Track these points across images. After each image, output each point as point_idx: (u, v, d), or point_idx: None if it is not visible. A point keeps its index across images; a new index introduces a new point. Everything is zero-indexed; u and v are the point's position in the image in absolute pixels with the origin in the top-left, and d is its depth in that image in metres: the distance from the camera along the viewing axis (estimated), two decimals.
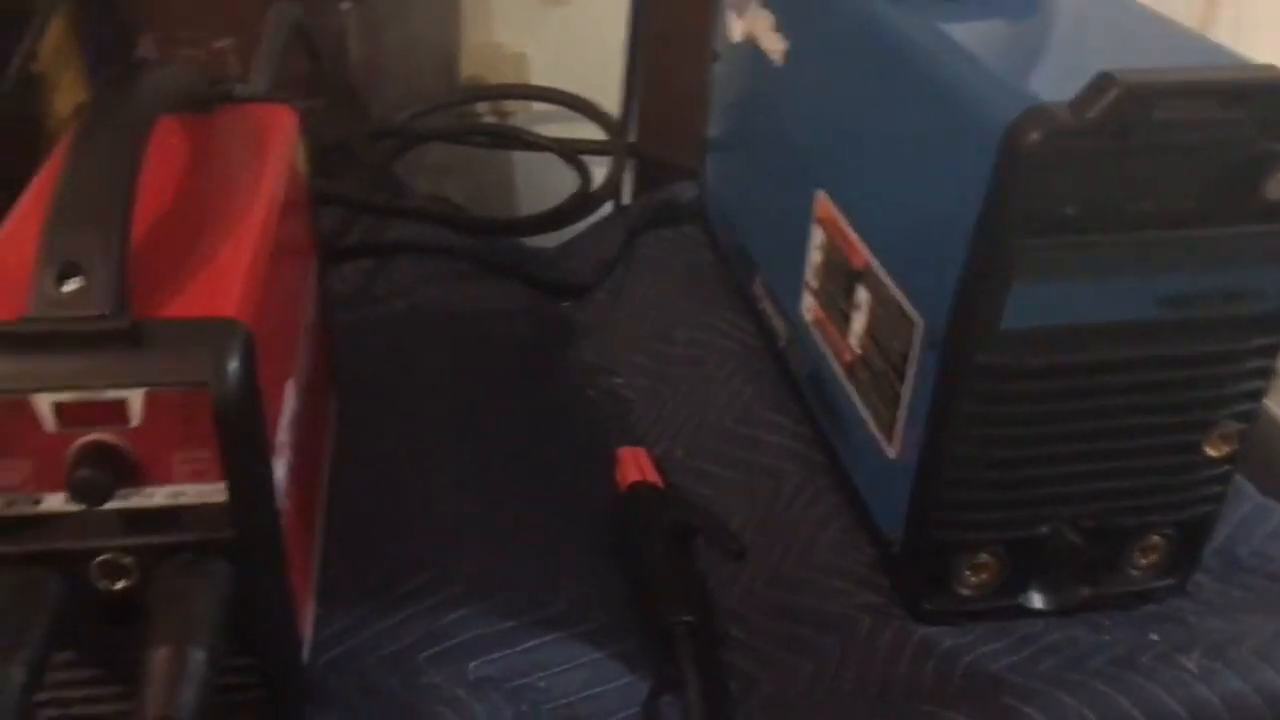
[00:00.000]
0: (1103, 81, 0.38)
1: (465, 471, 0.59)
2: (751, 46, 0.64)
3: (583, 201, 0.77)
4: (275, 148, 0.48)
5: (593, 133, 0.88)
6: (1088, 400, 0.44)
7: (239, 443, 0.36)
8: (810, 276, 0.58)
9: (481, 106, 0.99)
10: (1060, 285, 0.42)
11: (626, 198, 0.90)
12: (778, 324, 0.64)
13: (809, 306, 0.58)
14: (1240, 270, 0.42)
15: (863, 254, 0.51)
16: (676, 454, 0.64)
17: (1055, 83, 0.40)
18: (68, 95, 0.78)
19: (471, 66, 1.01)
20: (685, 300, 0.73)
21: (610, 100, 0.91)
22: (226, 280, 0.38)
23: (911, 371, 0.47)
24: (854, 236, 0.52)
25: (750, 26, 0.64)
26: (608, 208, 0.84)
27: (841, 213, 0.53)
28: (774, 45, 0.61)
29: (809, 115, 0.57)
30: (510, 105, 1.01)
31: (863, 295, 0.51)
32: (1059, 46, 0.46)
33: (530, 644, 0.48)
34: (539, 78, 1.00)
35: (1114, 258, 0.41)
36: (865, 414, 0.52)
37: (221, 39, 0.72)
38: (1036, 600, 0.49)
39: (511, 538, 0.55)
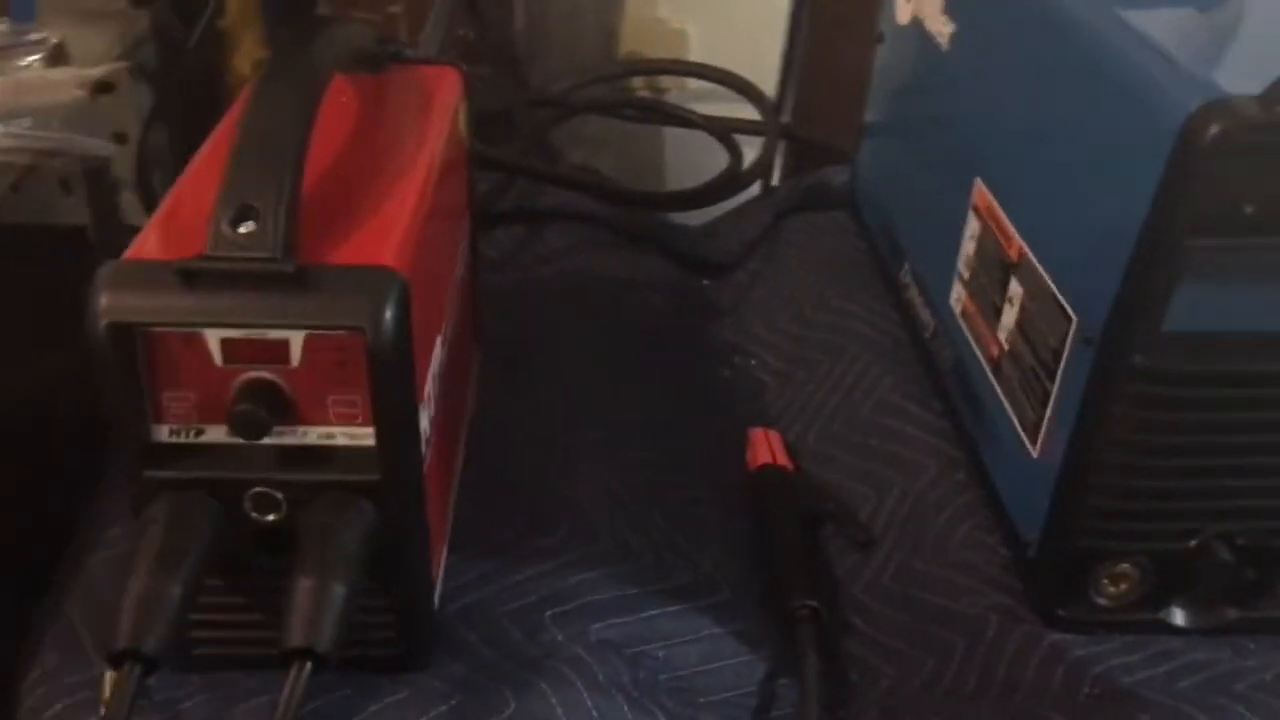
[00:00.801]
0: None
1: (599, 438, 0.60)
2: (918, 29, 0.63)
3: (731, 180, 0.76)
4: (440, 108, 0.49)
5: (747, 112, 0.88)
6: (1251, 412, 0.42)
7: (390, 389, 0.37)
8: (962, 266, 0.56)
9: (637, 81, 1.00)
10: (1231, 288, 0.40)
11: (775, 179, 0.89)
12: (924, 314, 0.62)
13: (958, 297, 0.57)
14: None
15: (1018, 245, 0.49)
16: (808, 439, 0.63)
17: (1243, 74, 0.38)
18: (248, 54, 0.82)
19: (631, 41, 1.01)
20: (828, 285, 0.73)
21: (767, 80, 0.91)
22: (387, 232, 0.39)
23: (1063, 370, 0.45)
24: (1010, 226, 0.50)
25: (918, 8, 0.63)
26: (756, 188, 0.84)
27: (999, 201, 0.52)
28: (942, 28, 0.59)
29: (973, 101, 0.55)
30: (666, 82, 1.01)
31: (1016, 288, 0.50)
32: (1252, 37, 0.43)
33: (652, 613, 0.49)
34: (698, 55, 1.00)
35: None
36: (1010, 411, 0.50)
37: (394, 4, 0.74)
38: (1179, 617, 0.47)
39: (641, 507, 0.56)
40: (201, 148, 0.44)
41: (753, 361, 0.70)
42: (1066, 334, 0.45)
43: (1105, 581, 0.46)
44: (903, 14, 0.66)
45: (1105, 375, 0.42)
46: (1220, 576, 0.46)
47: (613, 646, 0.46)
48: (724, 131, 0.81)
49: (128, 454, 0.38)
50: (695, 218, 0.83)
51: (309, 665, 0.35)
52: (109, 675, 0.36)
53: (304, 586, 0.36)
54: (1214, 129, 0.36)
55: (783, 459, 0.61)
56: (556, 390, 0.63)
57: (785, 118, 0.87)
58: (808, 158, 0.86)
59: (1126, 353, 0.41)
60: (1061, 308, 0.45)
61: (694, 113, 0.85)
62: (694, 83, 0.98)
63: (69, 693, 0.42)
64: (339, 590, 0.36)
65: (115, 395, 0.37)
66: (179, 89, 0.75)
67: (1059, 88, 0.46)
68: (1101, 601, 0.47)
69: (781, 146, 0.86)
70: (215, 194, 0.36)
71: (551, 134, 0.83)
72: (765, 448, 0.61)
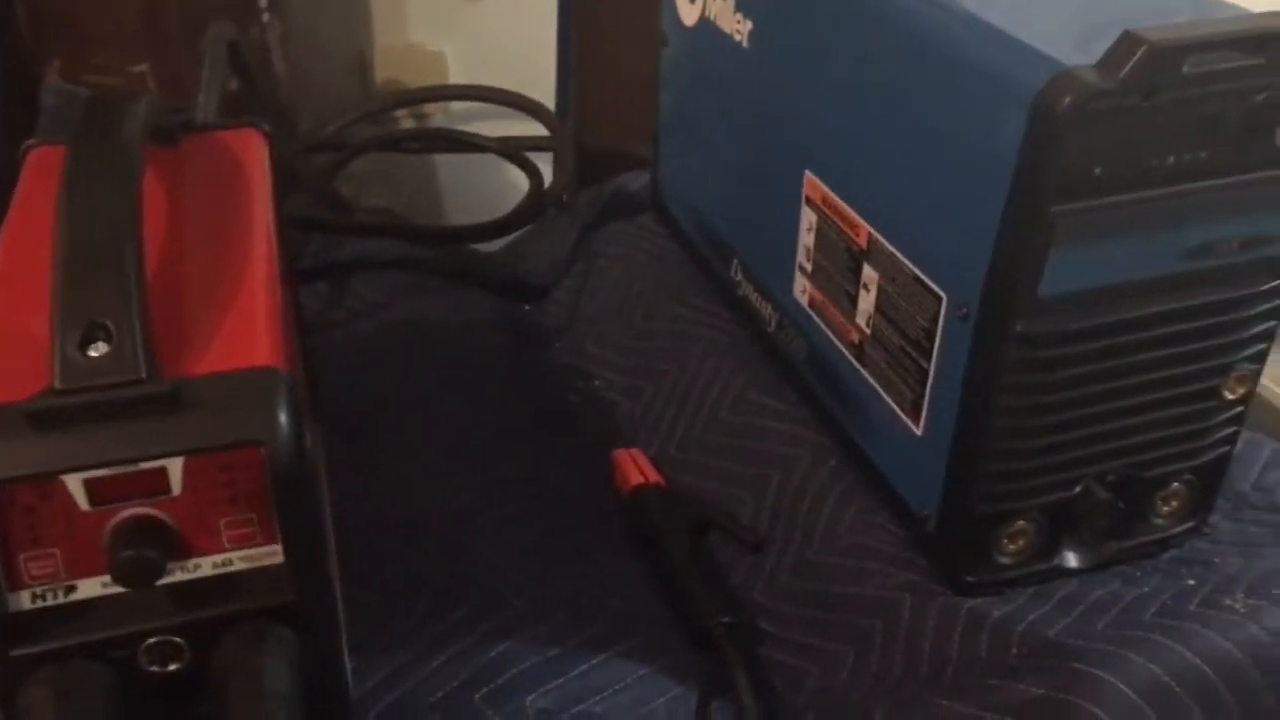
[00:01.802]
0: (1129, 40, 0.38)
1: (466, 496, 0.57)
2: (709, 28, 0.63)
3: (538, 201, 0.74)
4: (255, 174, 0.45)
5: (524, 129, 0.86)
6: (1119, 358, 0.44)
7: (295, 500, 0.33)
8: (803, 258, 0.57)
9: (400, 110, 0.96)
10: (1093, 247, 0.42)
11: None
12: (763, 308, 0.63)
13: (803, 289, 0.57)
14: (1258, 216, 0.43)
15: (866, 232, 0.50)
16: (670, 450, 0.62)
17: (1071, 46, 0.40)
18: None
19: (387, 69, 0.97)
20: (653, 293, 0.72)
21: (535, 94, 0.89)
22: (251, 325, 0.35)
23: (938, 347, 0.46)
24: (854, 215, 0.51)
25: (706, 9, 0.63)
26: None
27: (837, 192, 0.52)
28: (737, 26, 0.59)
29: (788, 96, 0.56)
30: (428, 107, 0.97)
31: (870, 273, 0.51)
32: (1057, 7, 0.45)
33: (580, 669, 0.47)
34: (458, 76, 0.97)
35: (1142, 215, 0.41)
36: (883, 393, 0.51)
37: (138, 63, 0.67)
38: (1071, 559, 0.49)
39: (530, 559, 0.53)
40: None
41: (597, 382, 0.69)
42: (937, 312, 0.46)
43: (1005, 541, 0.48)
44: (688, 15, 0.66)
45: (987, 347, 0.43)
46: (1100, 515, 0.48)
47: (551, 715, 0.44)
48: (516, 152, 0.79)
49: None
50: (493, 242, 0.80)
51: None
52: None
53: None
54: (1066, 100, 0.38)
55: (653, 476, 0.60)
56: (408, 454, 0.59)
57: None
58: (596, 167, 0.85)
59: (1008, 323, 0.42)
60: (927, 288, 0.46)
61: (483, 136, 0.82)
62: (457, 105, 0.96)
63: None
64: None
65: None
66: None
67: (887, 75, 0.47)
68: (1004, 560, 0.48)
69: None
70: (45, 316, 0.31)
71: (335, 178, 0.78)
72: (633, 468, 0.60)
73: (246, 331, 0.34)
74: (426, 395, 0.64)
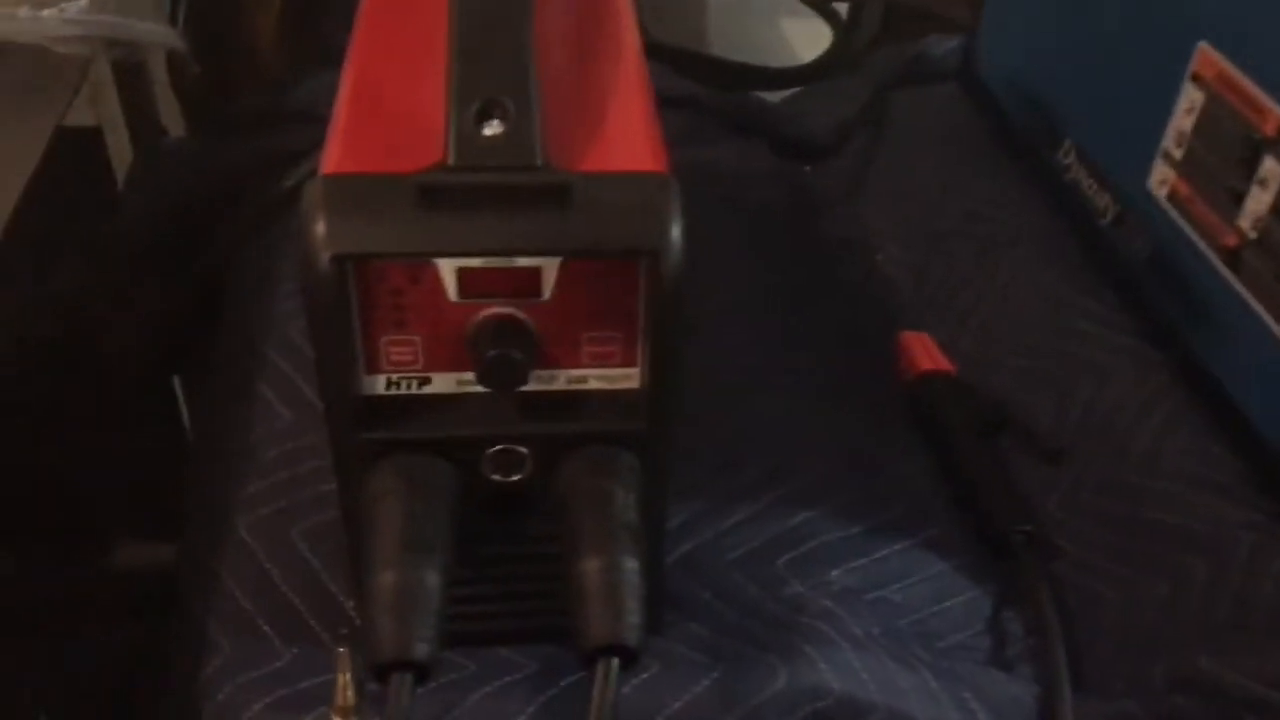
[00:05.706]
0: None
1: (746, 356, 0.54)
2: None
3: (841, 54, 0.69)
4: None
5: None
6: None
7: (671, 323, 0.30)
8: (1171, 144, 0.50)
9: None
10: None
11: None
12: (1099, 198, 0.56)
13: (1164, 179, 0.51)
14: None
15: (1277, 119, 0.43)
16: (961, 341, 0.58)
17: None
18: None
19: None
20: (953, 167, 0.66)
21: None
22: (635, 127, 0.32)
23: None
24: (1264, 98, 0.44)
25: None
26: None
27: (1243, 69, 0.45)
28: None
29: None
30: None
31: (1272, 168, 0.44)
32: None
33: (881, 553, 0.43)
34: None
35: None
36: (1258, 306, 0.45)
37: None
38: None
39: (816, 430, 0.50)
40: (354, 37, 0.36)
41: (879, 256, 0.64)
42: None
43: None
44: None
45: None
46: None
47: (854, 594, 0.41)
48: (822, 1, 0.73)
49: (337, 413, 0.31)
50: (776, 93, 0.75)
51: (615, 663, 0.28)
52: (342, 678, 0.30)
53: (593, 568, 0.29)
54: None
55: (944, 364, 0.55)
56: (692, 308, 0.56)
57: None
58: (901, 27, 0.78)
59: None
60: None
61: None
62: None
63: (264, 690, 0.35)
64: (632, 567, 0.30)
65: (330, 342, 0.30)
66: None
67: None
68: None
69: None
70: (427, 91, 0.29)
71: None
72: (922, 352, 0.56)
73: (632, 133, 0.31)
74: (708, 248, 0.60)
